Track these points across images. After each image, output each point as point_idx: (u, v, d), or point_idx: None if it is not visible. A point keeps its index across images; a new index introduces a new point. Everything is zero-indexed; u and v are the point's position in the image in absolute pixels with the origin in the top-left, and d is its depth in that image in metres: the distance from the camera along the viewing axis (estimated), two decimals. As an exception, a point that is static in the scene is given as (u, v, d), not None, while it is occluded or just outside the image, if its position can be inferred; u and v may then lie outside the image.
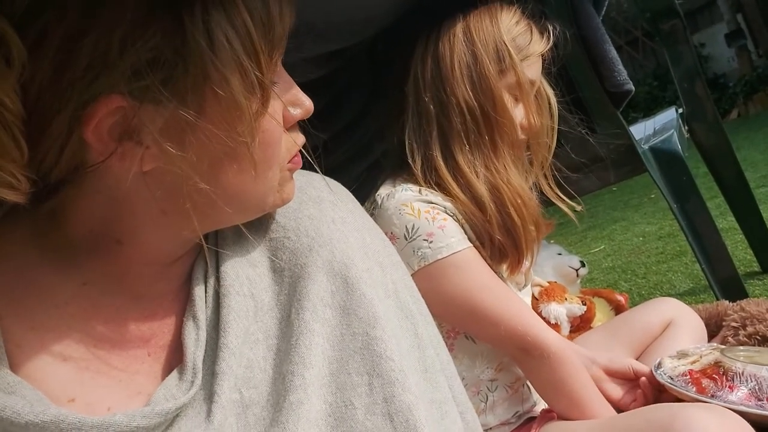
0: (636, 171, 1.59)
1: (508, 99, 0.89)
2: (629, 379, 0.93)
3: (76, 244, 0.47)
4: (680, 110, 1.89)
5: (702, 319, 1.15)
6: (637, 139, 1.53)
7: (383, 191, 0.88)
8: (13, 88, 0.38)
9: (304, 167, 0.55)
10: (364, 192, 0.97)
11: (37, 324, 0.45)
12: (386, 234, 0.80)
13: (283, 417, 0.46)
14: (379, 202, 0.87)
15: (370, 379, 0.49)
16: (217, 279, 0.51)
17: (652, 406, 0.85)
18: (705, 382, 0.83)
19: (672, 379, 0.86)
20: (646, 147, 1.52)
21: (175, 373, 0.47)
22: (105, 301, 0.48)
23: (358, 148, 1.15)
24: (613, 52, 1.27)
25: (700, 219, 1.56)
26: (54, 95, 0.40)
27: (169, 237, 0.48)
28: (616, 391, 0.92)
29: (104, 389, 0.45)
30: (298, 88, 0.51)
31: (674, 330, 1.07)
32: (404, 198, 0.85)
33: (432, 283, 0.82)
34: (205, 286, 0.51)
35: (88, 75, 0.39)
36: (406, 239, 0.83)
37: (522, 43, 0.90)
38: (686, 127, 1.81)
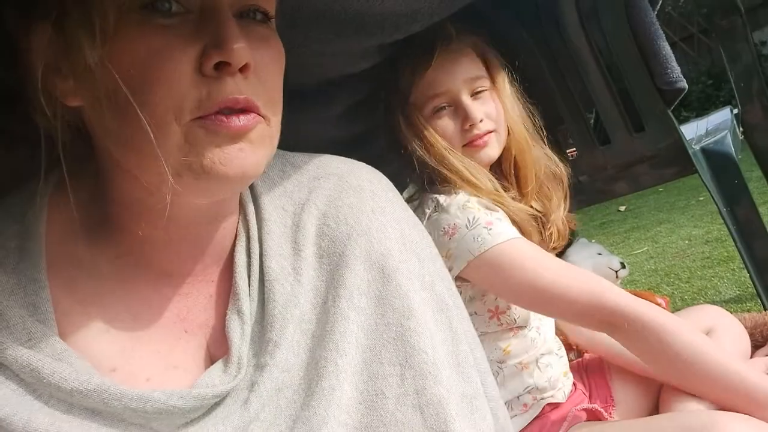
0: (684, 172, 1.54)
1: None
2: None
3: (107, 217, 0.49)
4: (735, 111, 1.82)
5: (747, 328, 1.11)
6: (688, 139, 1.48)
7: (442, 199, 0.93)
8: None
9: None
10: (402, 181, 0.98)
11: (81, 296, 0.47)
12: (449, 226, 0.88)
13: (315, 401, 0.47)
14: (441, 202, 0.92)
15: (402, 371, 0.49)
16: (261, 271, 0.52)
17: (688, 411, 0.83)
18: None
19: None
20: (697, 147, 1.47)
21: (220, 364, 0.49)
22: (141, 277, 0.49)
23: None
24: (667, 48, 1.22)
25: (750, 224, 1.50)
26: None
27: (152, 193, 0.45)
28: None
29: (143, 360, 0.47)
30: (231, 32, 0.42)
31: (714, 338, 1.04)
32: (464, 198, 0.92)
33: (496, 269, 0.86)
34: (249, 278, 0.52)
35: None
36: (467, 228, 0.88)
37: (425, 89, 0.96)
38: (741, 129, 1.74)
